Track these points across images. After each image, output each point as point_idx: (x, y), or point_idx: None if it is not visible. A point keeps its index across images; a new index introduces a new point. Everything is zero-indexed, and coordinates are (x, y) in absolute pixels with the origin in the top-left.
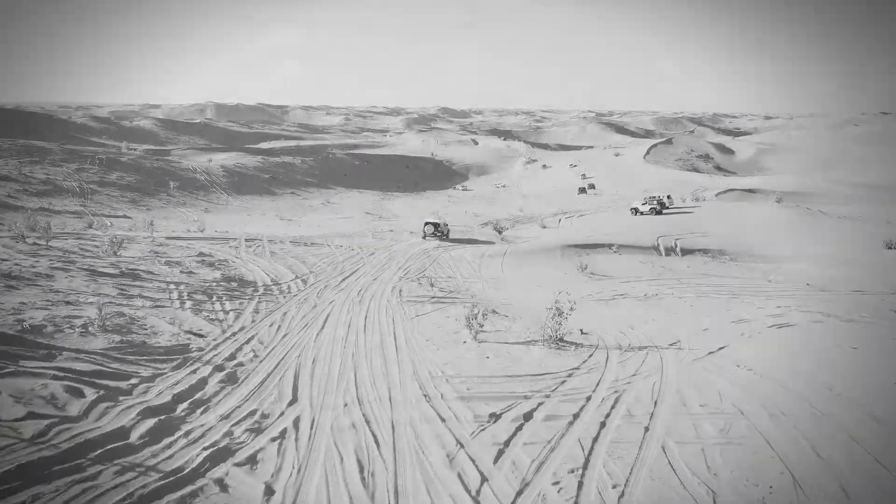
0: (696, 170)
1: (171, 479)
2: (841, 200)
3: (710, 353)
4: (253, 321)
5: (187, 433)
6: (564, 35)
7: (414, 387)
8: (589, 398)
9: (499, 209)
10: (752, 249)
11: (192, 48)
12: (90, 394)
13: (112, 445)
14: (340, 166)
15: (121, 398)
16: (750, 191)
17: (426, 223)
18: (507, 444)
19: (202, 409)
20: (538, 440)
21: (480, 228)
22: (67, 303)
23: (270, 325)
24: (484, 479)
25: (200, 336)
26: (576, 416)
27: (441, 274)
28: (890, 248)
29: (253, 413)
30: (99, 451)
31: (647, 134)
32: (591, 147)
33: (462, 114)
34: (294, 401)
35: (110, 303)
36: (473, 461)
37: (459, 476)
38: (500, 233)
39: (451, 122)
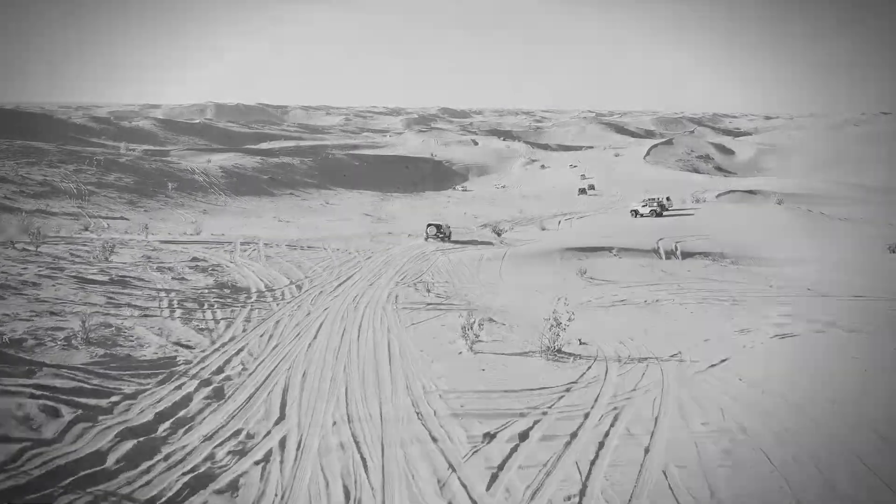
0: (696, 170)
1: None
2: (842, 202)
3: (712, 365)
4: (244, 330)
5: (167, 456)
6: (564, 35)
7: (406, 403)
8: (587, 415)
9: (498, 210)
10: (753, 252)
11: (192, 48)
12: (68, 414)
13: (86, 472)
14: (340, 167)
15: (100, 418)
16: (750, 192)
17: (428, 225)
18: (501, 467)
19: (185, 428)
20: (534, 463)
21: (479, 230)
22: (52, 313)
23: (262, 335)
24: None
25: (188, 348)
26: (573, 435)
27: (438, 279)
28: (892, 251)
29: (238, 433)
30: (71, 479)
31: (648, 134)
32: (591, 147)
33: (462, 114)
34: (282, 418)
35: (97, 312)
36: (465, 487)
37: None
38: (499, 235)
39: (451, 123)
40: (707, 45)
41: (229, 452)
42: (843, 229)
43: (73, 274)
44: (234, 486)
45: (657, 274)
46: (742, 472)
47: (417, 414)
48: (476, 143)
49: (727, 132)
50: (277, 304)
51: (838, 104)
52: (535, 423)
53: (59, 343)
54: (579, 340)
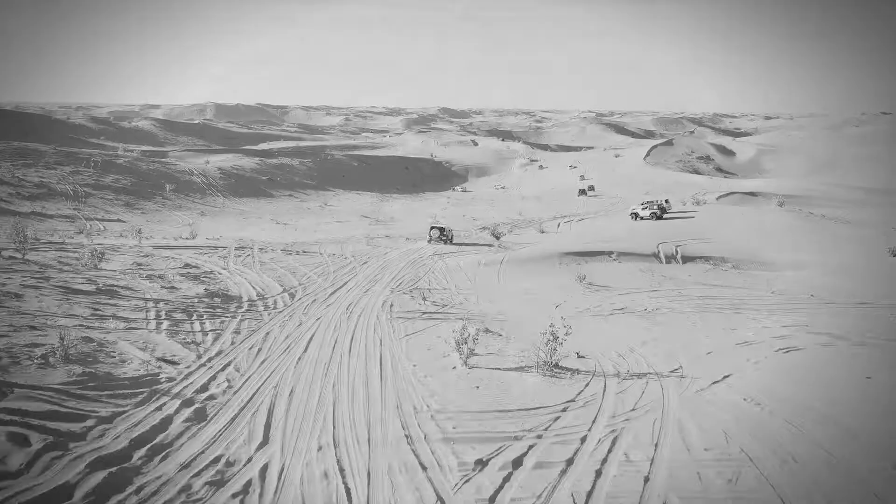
0: (696, 171)
1: None
2: (842, 204)
3: (715, 382)
4: (232, 343)
5: (139, 489)
6: (564, 33)
7: (396, 425)
8: (584, 439)
9: (497, 212)
10: (755, 256)
11: (192, 48)
12: (37, 442)
13: None
14: (339, 168)
15: (72, 445)
16: (751, 194)
17: (431, 228)
18: (492, 499)
19: (161, 456)
20: (527, 494)
21: (478, 233)
22: (32, 328)
23: (250, 349)
24: None
25: (173, 363)
26: (569, 462)
27: (435, 285)
28: (894, 255)
29: (217, 460)
30: None
31: (648, 134)
32: (592, 148)
33: (462, 114)
34: (265, 443)
35: (80, 326)
36: None
37: None
38: (497, 238)
39: (451, 123)
40: (707, 45)
41: (206, 483)
42: (844, 232)
43: (60, 283)
44: None
45: (657, 279)
46: None
47: (407, 437)
48: (476, 144)
49: (727, 132)
50: (269, 314)
51: (838, 104)
52: (530, 447)
53: (35, 361)
54: (577, 354)
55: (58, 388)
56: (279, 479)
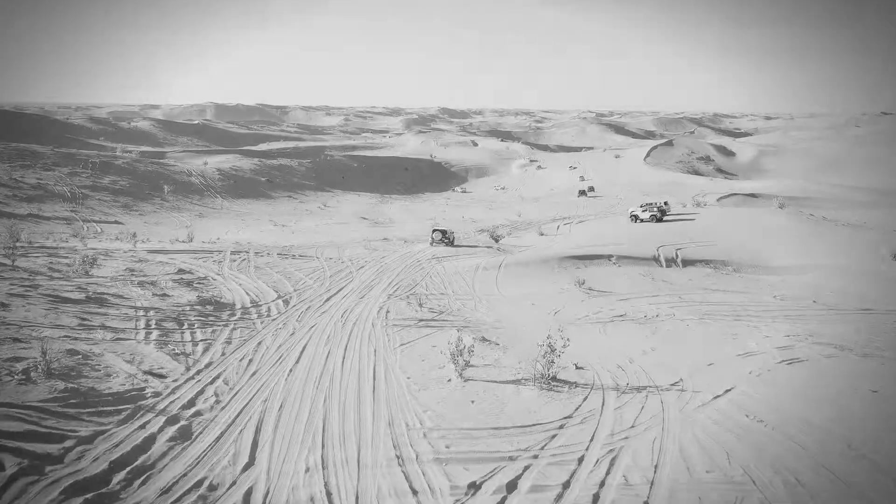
0: (696, 172)
1: None
2: (844, 205)
3: (716, 396)
4: (223, 354)
5: None
6: (564, 33)
7: (387, 444)
8: (581, 459)
9: (497, 214)
10: (756, 260)
11: (193, 48)
12: (11, 466)
13: None
14: (338, 169)
15: (48, 469)
16: (752, 195)
17: (434, 230)
18: None
19: (142, 479)
20: None
21: (477, 235)
22: (16, 339)
23: (241, 360)
24: None
25: (160, 377)
26: (566, 485)
27: (432, 290)
28: None
29: (200, 483)
30: None
31: (648, 135)
32: (592, 148)
33: (462, 114)
34: (250, 464)
35: (66, 337)
36: None
37: None
38: (496, 241)
39: (451, 123)
40: (707, 45)
41: None
42: (845, 235)
43: (48, 292)
44: None
45: (657, 284)
46: None
47: (398, 458)
48: (475, 144)
49: (728, 133)
50: (262, 322)
51: (837, 104)
52: (525, 469)
53: (16, 377)
54: (575, 365)
55: (37, 406)
56: None
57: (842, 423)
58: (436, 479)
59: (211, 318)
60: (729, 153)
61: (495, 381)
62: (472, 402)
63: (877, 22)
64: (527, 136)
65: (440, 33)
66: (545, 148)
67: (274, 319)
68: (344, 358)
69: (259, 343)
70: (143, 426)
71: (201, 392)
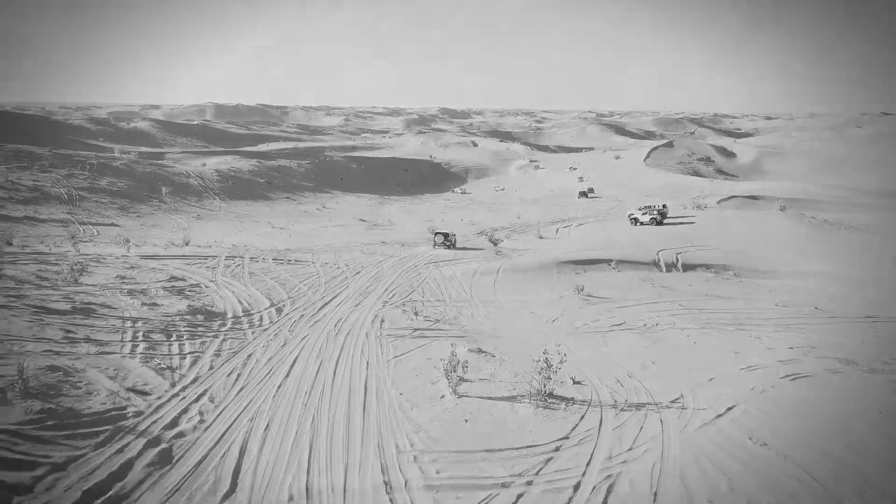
0: (697, 173)
1: None
2: (844, 207)
3: (718, 415)
4: (211, 368)
5: None
6: (564, 33)
7: (375, 468)
8: (577, 486)
9: (496, 215)
10: (757, 264)
11: (193, 48)
12: None
13: None
14: (337, 169)
15: (16, 501)
16: (753, 197)
17: (436, 233)
18: None
19: None
20: None
21: (476, 238)
22: None
23: (229, 374)
24: None
25: (143, 394)
26: None
27: (429, 296)
28: None
29: None
30: None
31: (648, 135)
32: (592, 149)
33: (462, 114)
34: (231, 491)
35: (48, 351)
36: None
37: None
38: (495, 244)
39: (451, 123)
40: (707, 45)
41: None
42: (847, 238)
43: (34, 302)
44: None
45: (657, 290)
46: None
47: (386, 485)
48: (475, 145)
49: (728, 133)
50: (253, 332)
51: (837, 104)
52: (519, 497)
53: None
54: (573, 379)
55: (10, 430)
56: None
57: (848, 447)
58: None
59: (201, 329)
60: (729, 154)
61: (490, 398)
62: (466, 421)
63: (877, 21)
64: (527, 137)
65: (439, 34)
66: (545, 148)
67: (266, 329)
68: (335, 372)
69: (249, 355)
70: (121, 450)
71: (185, 411)
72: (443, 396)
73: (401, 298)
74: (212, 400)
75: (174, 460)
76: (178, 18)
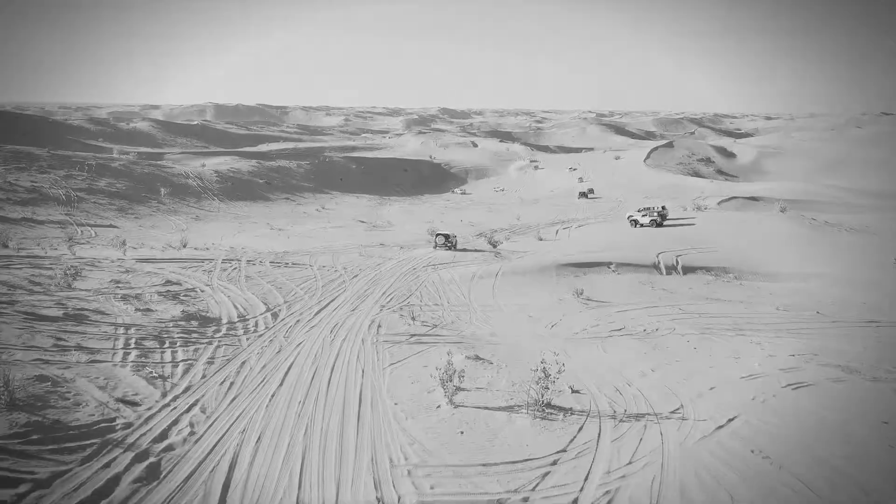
0: (697, 174)
1: None
2: (845, 208)
3: (719, 427)
4: (203, 376)
5: None
6: (564, 33)
7: (368, 484)
8: (575, 502)
9: (496, 216)
10: (757, 267)
11: (194, 48)
12: None
13: None
14: (337, 170)
15: None
16: (753, 198)
17: (437, 234)
18: None
19: None
20: None
21: (476, 239)
22: None
23: (222, 383)
24: None
25: (133, 404)
26: None
27: (427, 300)
28: None
29: None
30: None
31: (648, 135)
32: (592, 149)
33: (462, 114)
34: None
35: (38, 360)
36: None
37: None
38: (494, 246)
39: (451, 123)
40: (707, 45)
41: None
42: (848, 240)
43: (25, 308)
44: None
45: (657, 293)
46: None
47: (379, 501)
48: (475, 145)
49: (728, 133)
50: (248, 339)
51: (837, 104)
52: None
53: None
54: (571, 388)
55: None
56: None
57: (851, 459)
58: None
59: (195, 335)
60: (729, 154)
61: (487, 408)
62: (462, 432)
63: (877, 22)
64: (527, 137)
65: (440, 33)
66: (545, 149)
67: (261, 335)
68: (330, 380)
69: (243, 363)
70: (108, 465)
71: (175, 422)
72: (439, 406)
73: (398, 302)
74: (203, 410)
75: (162, 475)
76: (171, 19)
